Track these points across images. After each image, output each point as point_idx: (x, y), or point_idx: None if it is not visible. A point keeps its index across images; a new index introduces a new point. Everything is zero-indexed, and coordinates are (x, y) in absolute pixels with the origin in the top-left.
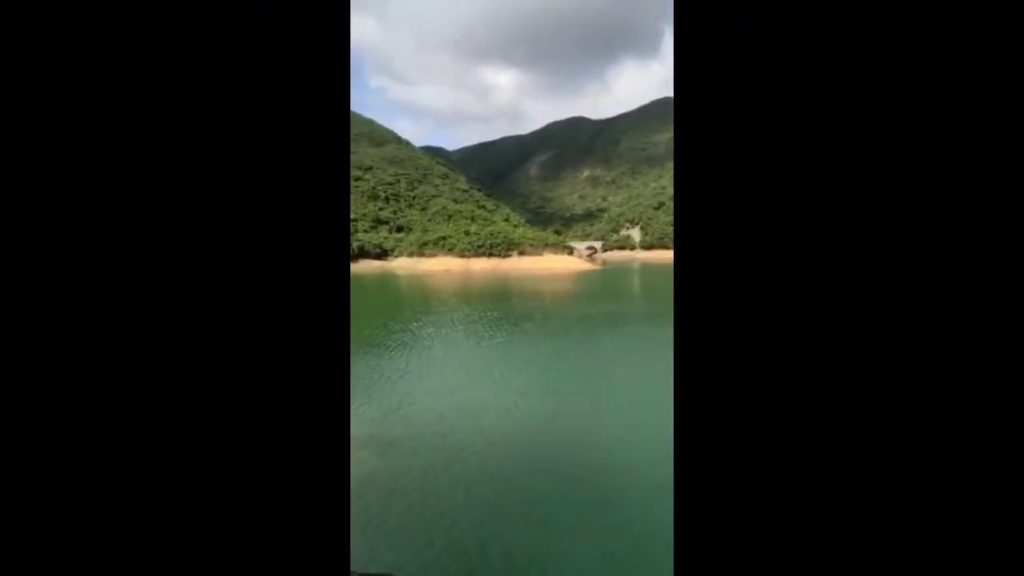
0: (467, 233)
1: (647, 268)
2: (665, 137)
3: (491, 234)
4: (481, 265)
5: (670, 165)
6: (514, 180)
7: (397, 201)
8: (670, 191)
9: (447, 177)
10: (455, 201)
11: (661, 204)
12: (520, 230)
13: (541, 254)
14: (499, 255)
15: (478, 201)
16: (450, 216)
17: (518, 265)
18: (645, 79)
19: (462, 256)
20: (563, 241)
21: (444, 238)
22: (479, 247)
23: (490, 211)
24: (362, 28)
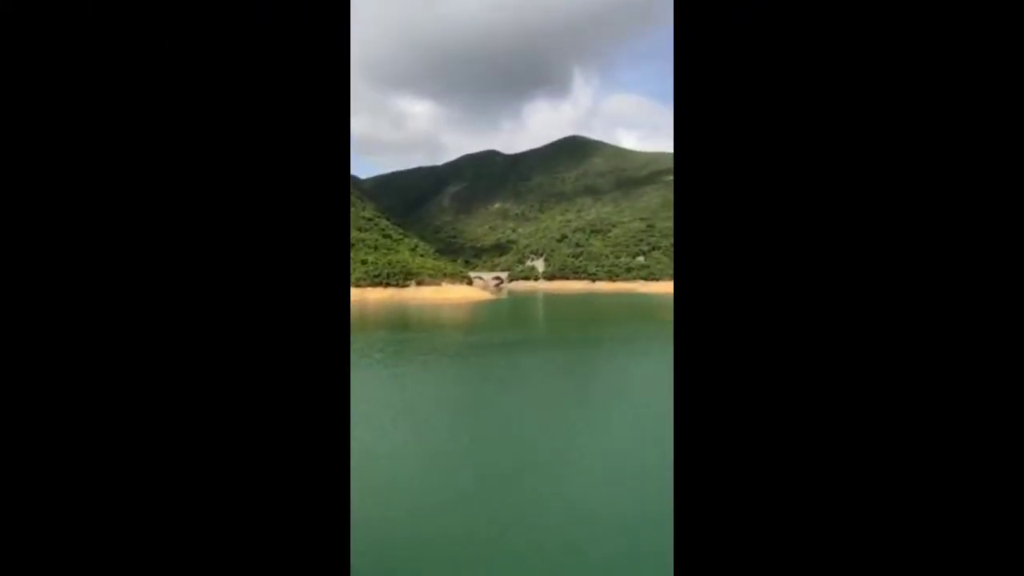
0: (364, 262)
1: (548, 297)
2: (573, 174)
3: (389, 263)
4: (377, 295)
5: (578, 200)
6: (427, 210)
7: None
8: (574, 224)
9: (353, 206)
10: (359, 230)
11: (564, 236)
12: (419, 260)
13: (440, 284)
14: (396, 285)
15: (383, 230)
16: (352, 245)
17: (416, 295)
18: (556, 118)
19: (358, 286)
20: (463, 271)
21: None
22: (376, 276)
23: (395, 240)
24: None
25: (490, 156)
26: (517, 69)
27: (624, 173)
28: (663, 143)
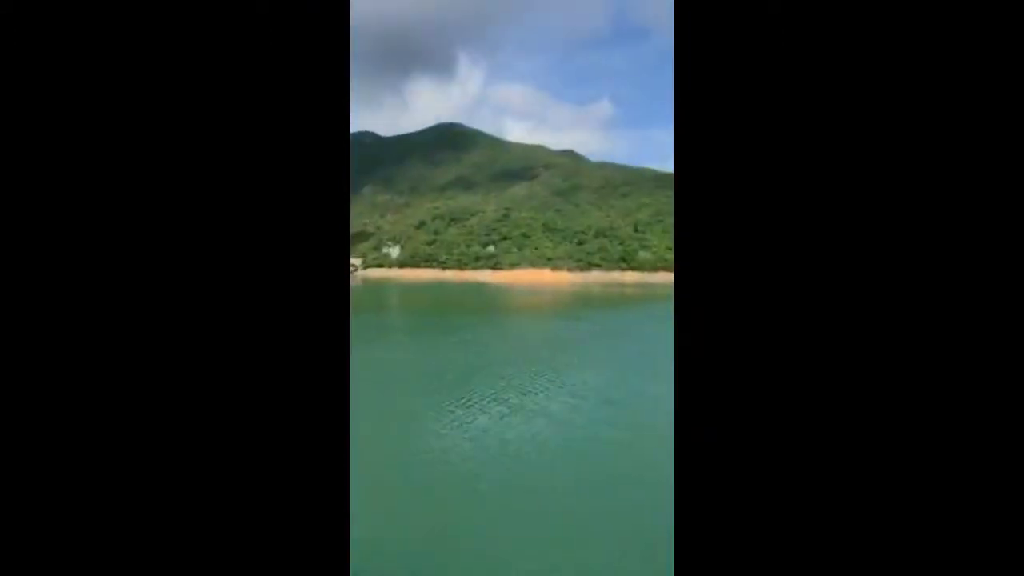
0: None
1: (402, 286)
2: (449, 164)
3: None
4: None
5: (450, 190)
6: None
7: None
8: (436, 212)
9: None
10: None
11: (422, 223)
12: None
13: None
14: None
15: None
16: None
17: None
18: (442, 100)
19: None
20: None
21: None
22: None
23: None
24: None
25: (363, 137)
26: (397, 46)
27: (497, 165)
28: (548, 137)
